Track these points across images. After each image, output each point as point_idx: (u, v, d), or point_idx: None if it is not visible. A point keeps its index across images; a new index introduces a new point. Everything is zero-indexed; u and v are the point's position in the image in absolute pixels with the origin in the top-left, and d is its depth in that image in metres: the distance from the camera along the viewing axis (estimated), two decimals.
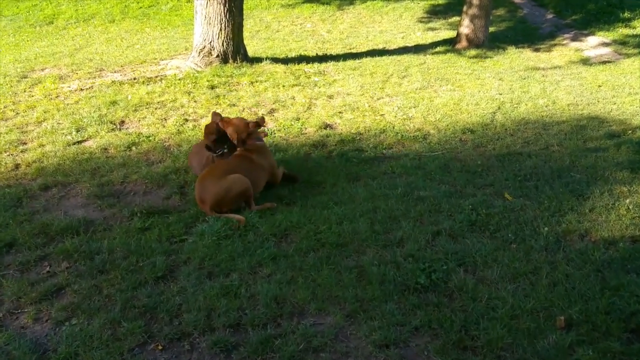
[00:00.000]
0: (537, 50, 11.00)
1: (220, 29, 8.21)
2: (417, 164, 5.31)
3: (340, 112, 6.77)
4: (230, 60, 8.43)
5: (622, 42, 11.25)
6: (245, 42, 9.03)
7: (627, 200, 4.32)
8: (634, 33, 11.81)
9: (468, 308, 3.07)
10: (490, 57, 10.15)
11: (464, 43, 10.77)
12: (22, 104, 6.82)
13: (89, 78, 8.00)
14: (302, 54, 10.01)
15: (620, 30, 12.03)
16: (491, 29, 11.55)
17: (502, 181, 4.87)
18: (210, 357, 2.74)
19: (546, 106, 7.25)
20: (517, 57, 10.26)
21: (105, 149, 5.48)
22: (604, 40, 11.56)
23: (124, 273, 3.39)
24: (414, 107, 7.04)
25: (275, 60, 9.04)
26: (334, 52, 10.39)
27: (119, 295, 3.17)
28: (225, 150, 4.53)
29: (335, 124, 6.43)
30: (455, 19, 12.92)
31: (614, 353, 2.73)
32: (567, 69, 9.55)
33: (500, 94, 7.77)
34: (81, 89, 7.38)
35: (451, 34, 11.74)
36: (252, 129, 4.45)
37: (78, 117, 6.26)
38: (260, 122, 4.54)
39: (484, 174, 5.08)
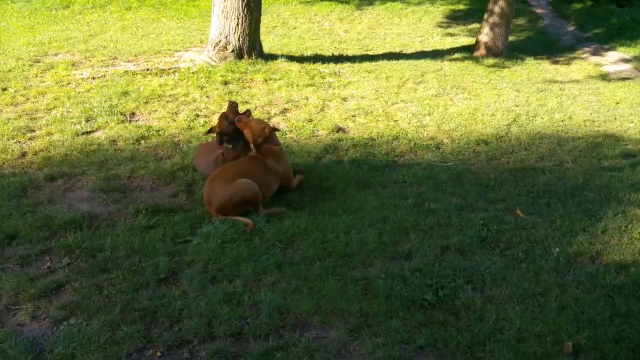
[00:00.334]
0: (556, 62, 10.87)
1: (237, 24, 8.14)
2: (429, 174, 5.23)
3: (353, 116, 6.69)
4: (245, 56, 8.36)
5: None
6: (261, 37, 8.97)
7: None
8: None
9: (475, 328, 2.99)
10: (508, 67, 10.03)
11: (482, 51, 10.65)
12: (33, 90, 6.79)
13: (102, 66, 7.96)
14: (318, 53, 9.93)
15: None
16: (511, 38, 11.42)
17: (514, 197, 4.79)
18: None
19: (562, 121, 7.15)
20: (536, 69, 10.14)
21: (114, 141, 5.43)
22: (624, 56, 11.40)
23: (126, 273, 3.32)
24: (429, 115, 6.95)
25: (291, 58, 8.96)
26: (350, 52, 10.31)
27: (120, 296, 3.11)
28: (230, 146, 4.51)
29: (348, 127, 6.35)
30: (475, 25, 12.80)
31: None
32: (585, 84, 9.42)
33: (517, 106, 7.67)
34: (93, 78, 7.34)
35: (470, 40, 11.63)
36: (269, 134, 4.38)
37: (88, 106, 6.22)
38: (276, 128, 4.52)
39: (496, 188, 4.99)
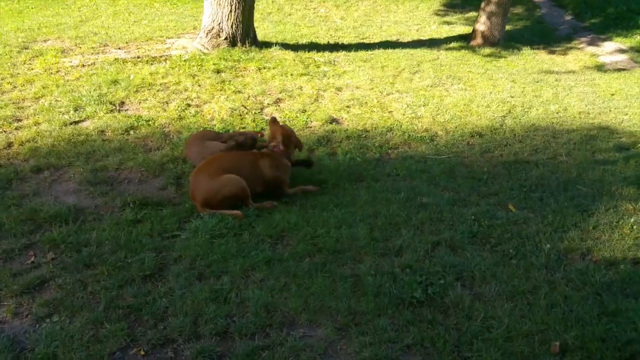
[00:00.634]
0: (552, 52, 10.80)
1: (231, 11, 8.01)
2: (423, 167, 5.19)
3: (347, 107, 6.62)
4: (239, 44, 8.23)
5: (639, 50, 11.02)
6: (256, 24, 8.84)
7: (632, 219, 4.20)
8: None
9: (462, 327, 2.97)
10: (505, 57, 9.95)
11: (479, 40, 10.56)
12: (21, 77, 6.67)
13: (92, 53, 7.83)
14: (313, 40, 9.82)
15: (638, 37, 11.77)
16: (507, 27, 11.32)
17: (507, 191, 4.75)
18: None
19: (557, 113, 7.11)
20: (532, 59, 10.06)
21: (103, 131, 5.34)
22: (620, 46, 11.33)
23: (111, 269, 3.27)
24: (424, 106, 6.89)
25: (285, 46, 8.85)
26: (345, 41, 10.20)
27: (104, 293, 3.06)
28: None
29: (342, 118, 6.29)
30: (472, 14, 12.69)
31: None
32: (581, 75, 9.37)
33: (512, 97, 7.61)
34: (83, 65, 7.21)
35: (467, 29, 11.53)
36: (295, 143, 4.43)
37: (77, 95, 6.11)
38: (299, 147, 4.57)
39: (489, 182, 4.96)
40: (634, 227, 4.09)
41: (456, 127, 6.32)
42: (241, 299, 3.09)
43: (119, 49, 8.16)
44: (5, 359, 2.59)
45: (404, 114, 6.60)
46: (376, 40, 10.46)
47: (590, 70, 9.76)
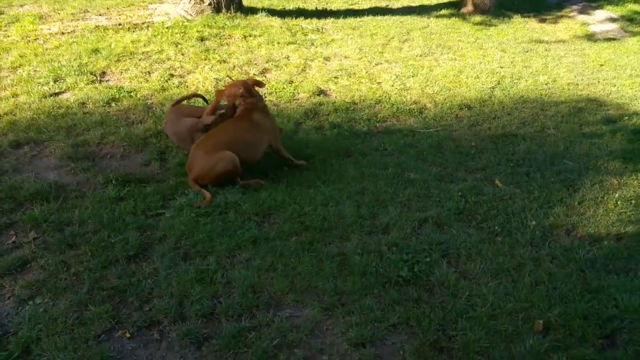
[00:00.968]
0: (543, 21, 10.69)
1: None
2: (410, 141, 5.15)
3: (335, 77, 6.52)
4: (224, 10, 8.01)
5: (630, 19, 10.95)
6: None
7: (617, 194, 4.23)
8: None
9: (448, 305, 2.98)
10: (495, 25, 9.84)
11: (469, 7, 10.41)
12: None
13: (72, 20, 7.56)
14: (301, 6, 9.60)
15: (629, 5, 11.69)
16: None
17: (494, 166, 4.75)
18: (179, 349, 2.62)
19: (546, 84, 7.07)
20: (522, 28, 9.96)
21: (84, 103, 5.20)
22: (611, 15, 11.23)
23: (94, 249, 3.21)
24: (413, 77, 6.80)
25: (272, 12, 8.63)
26: (334, 6, 9.99)
27: (88, 274, 3.01)
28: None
29: (330, 90, 6.19)
30: None
31: None
32: (571, 44, 9.30)
33: (502, 67, 7.56)
34: (62, 33, 6.96)
35: None
36: (244, 92, 4.19)
37: (57, 64, 5.92)
38: (257, 83, 4.36)
39: (476, 156, 4.94)
40: (619, 202, 4.12)
41: (445, 99, 6.26)
42: (227, 279, 3.07)
43: (100, 15, 7.89)
44: None
45: (392, 85, 6.52)
46: (365, 7, 10.27)
47: (580, 39, 9.70)
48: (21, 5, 8.20)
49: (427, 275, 3.22)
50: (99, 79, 5.79)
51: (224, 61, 6.52)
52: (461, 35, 8.98)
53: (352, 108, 5.79)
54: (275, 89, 6.00)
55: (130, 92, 5.50)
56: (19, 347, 2.55)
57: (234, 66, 6.43)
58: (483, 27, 9.70)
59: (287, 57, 6.93)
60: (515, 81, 7.07)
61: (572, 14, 11.33)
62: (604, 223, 3.85)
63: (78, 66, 5.91)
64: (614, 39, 9.80)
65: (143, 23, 7.47)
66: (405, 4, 10.91)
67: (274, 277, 3.10)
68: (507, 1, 11.72)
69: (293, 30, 7.95)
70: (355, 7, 10.23)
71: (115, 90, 5.46)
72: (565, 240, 3.65)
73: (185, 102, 4.96)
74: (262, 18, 8.24)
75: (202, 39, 7.06)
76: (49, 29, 7.08)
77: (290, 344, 2.69)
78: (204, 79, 5.96)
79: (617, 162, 4.83)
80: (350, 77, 6.61)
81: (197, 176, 3.90)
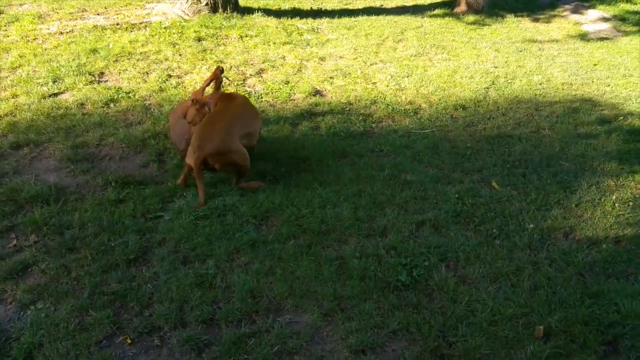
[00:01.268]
0: (536, 20, 10.72)
1: None
2: (406, 142, 5.17)
3: (331, 77, 6.53)
4: (220, 10, 8.00)
5: (622, 19, 11.01)
6: None
7: (614, 196, 4.26)
8: (635, 9, 11.56)
9: (448, 311, 2.99)
10: (489, 25, 9.86)
11: (463, 7, 10.43)
12: None
13: (70, 19, 7.52)
14: (296, 6, 9.59)
15: (622, 5, 11.75)
16: None
17: (490, 167, 4.77)
18: (180, 355, 2.63)
19: (540, 84, 7.11)
20: (516, 27, 9.99)
21: (82, 104, 5.19)
22: (604, 14, 11.29)
23: (95, 253, 3.22)
24: (407, 77, 6.82)
25: (268, 12, 8.63)
26: (329, 6, 9.99)
27: (88, 278, 3.02)
28: None
29: (325, 90, 6.20)
30: None
31: None
32: (564, 44, 9.34)
33: (496, 67, 7.58)
34: (61, 33, 6.93)
35: None
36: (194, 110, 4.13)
37: (56, 65, 5.90)
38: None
39: (472, 157, 4.96)
40: (616, 204, 4.15)
41: (440, 100, 6.28)
42: (227, 283, 3.07)
43: (98, 14, 7.85)
44: None
45: (387, 86, 6.53)
46: (360, 6, 10.27)
47: (573, 39, 9.73)
48: (21, 5, 8.16)
49: (426, 279, 3.23)
50: (97, 79, 5.78)
51: (221, 62, 6.52)
52: (455, 35, 9.00)
53: (347, 108, 5.81)
54: (271, 89, 6.00)
55: (129, 92, 5.49)
56: (21, 353, 2.56)
57: (231, 67, 6.42)
58: (477, 26, 9.73)
59: (283, 57, 6.93)
60: (509, 81, 7.10)
61: (564, 14, 11.38)
62: (601, 226, 3.87)
63: (77, 66, 5.89)
64: (607, 39, 9.85)
65: (141, 23, 7.44)
66: (399, 3, 10.92)
67: (273, 282, 3.11)
68: (500, 1, 11.74)
69: (289, 30, 7.95)
70: (350, 6, 10.23)
71: (114, 91, 5.45)
72: (564, 243, 3.67)
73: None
74: (258, 18, 8.24)
75: (199, 39, 7.06)
76: (48, 29, 7.05)
77: (290, 351, 2.70)
78: (201, 79, 5.95)
79: (613, 163, 4.87)
80: (345, 77, 6.62)
81: (209, 154, 3.72)
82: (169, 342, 2.71)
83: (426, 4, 10.92)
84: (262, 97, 5.79)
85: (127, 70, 6.02)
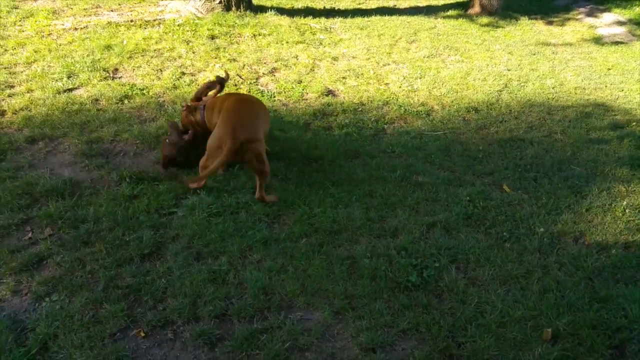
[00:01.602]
0: (550, 23, 10.68)
1: None
2: (418, 143, 5.18)
3: (344, 77, 6.55)
4: (233, 8, 8.05)
5: (638, 23, 10.94)
6: None
7: (624, 202, 4.26)
8: None
9: (457, 312, 3.02)
10: (502, 27, 9.84)
11: (477, 9, 10.41)
12: (12, 40, 6.48)
13: (85, 15, 7.61)
14: (309, 5, 9.62)
15: (637, 9, 11.67)
16: None
17: (501, 170, 4.78)
18: (193, 349, 2.67)
19: (553, 88, 7.09)
20: (529, 30, 9.95)
21: (97, 99, 5.24)
22: (619, 18, 11.22)
23: (109, 247, 3.26)
24: (420, 78, 6.83)
25: (281, 11, 8.66)
26: (342, 6, 10.01)
27: (103, 272, 3.06)
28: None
29: (338, 90, 6.22)
30: None
31: None
32: (578, 47, 9.30)
33: (509, 70, 7.57)
34: (75, 28, 7.01)
35: None
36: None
37: (70, 60, 5.96)
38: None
39: (484, 160, 4.97)
40: (626, 210, 4.15)
41: (452, 102, 6.28)
42: (239, 280, 3.11)
43: (112, 11, 7.93)
44: (7, 339, 2.60)
45: (400, 87, 6.54)
46: (373, 6, 10.28)
47: (587, 42, 9.69)
48: (35, 0, 8.23)
49: (436, 280, 3.26)
50: (111, 75, 5.83)
51: (234, 60, 6.56)
52: (468, 37, 8.99)
53: (360, 109, 5.82)
54: (284, 88, 6.03)
55: (143, 89, 5.54)
56: (37, 343, 2.60)
57: (244, 65, 6.46)
58: (490, 28, 9.71)
59: (296, 57, 6.96)
60: (522, 84, 7.09)
61: (579, 17, 11.32)
62: (611, 231, 3.87)
63: (91, 62, 5.95)
64: (621, 43, 9.79)
65: (154, 20, 7.50)
66: (413, 4, 10.91)
67: (284, 279, 3.15)
68: (514, 2, 11.72)
69: (302, 30, 7.97)
70: (363, 6, 10.24)
71: (128, 88, 5.50)
72: (573, 247, 3.68)
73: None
74: (271, 17, 8.27)
75: (212, 37, 7.10)
76: (62, 25, 7.12)
77: (301, 347, 2.73)
78: (215, 77, 5.97)
79: (624, 169, 4.86)
80: (358, 77, 6.64)
81: (246, 140, 3.59)
82: (182, 336, 2.74)
83: (439, 4, 10.92)
84: (274, 96, 5.82)
85: (141, 67, 6.07)
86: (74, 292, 2.94)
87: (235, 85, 5.93)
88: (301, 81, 6.26)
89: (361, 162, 4.70)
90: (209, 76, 6.02)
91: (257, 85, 6.05)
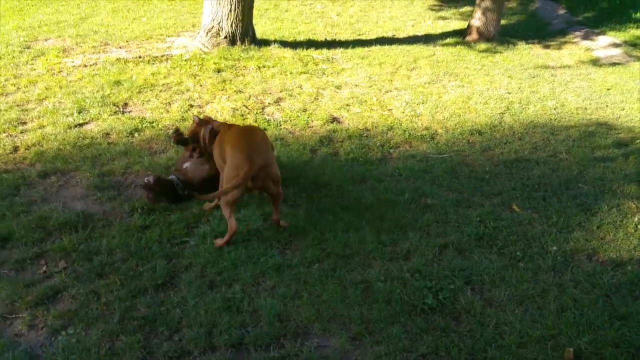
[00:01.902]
0: (547, 47, 10.81)
1: (230, 10, 7.97)
2: (424, 166, 5.20)
3: (347, 105, 6.62)
4: (238, 42, 8.21)
5: (633, 44, 11.06)
6: (254, 21, 8.79)
7: (636, 218, 4.26)
8: None
9: (476, 334, 3.00)
10: (500, 52, 9.96)
11: (474, 36, 10.55)
12: (24, 78, 6.61)
13: (94, 53, 7.77)
14: (311, 38, 9.78)
15: (632, 31, 11.82)
16: (502, 22, 11.32)
17: (509, 190, 4.78)
18: None
19: (555, 109, 7.14)
20: (527, 54, 10.08)
21: (107, 133, 5.31)
22: (614, 40, 11.36)
23: (124, 278, 3.27)
24: (422, 104, 6.90)
25: (284, 43, 8.83)
26: (343, 37, 10.17)
27: (118, 303, 3.06)
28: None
29: (342, 117, 6.29)
30: (467, 8, 12.69)
31: None
32: (577, 69, 9.40)
33: (509, 93, 7.64)
34: (85, 65, 7.15)
35: (462, 24, 11.52)
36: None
37: (80, 96, 6.07)
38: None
39: (491, 181, 4.98)
40: (638, 226, 4.15)
41: (456, 125, 6.33)
42: (254, 308, 3.10)
43: (120, 47, 8.09)
44: None
45: (403, 112, 6.60)
46: (372, 37, 10.44)
47: (585, 64, 9.79)
48: (46, 40, 8.43)
49: (452, 302, 3.24)
50: (121, 110, 5.92)
51: (240, 91, 6.65)
52: (467, 63, 9.10)
53: (365, 135, 5.87)
54: (290, 117, 6.10)
55: (152, 122, 5.61)
56: None
57: (250, 96, 6.55)
58: (488, 54, 9.83)
59: (300, 86, 7.06)
60: (524, 106, 7.14)
61: (575, 40, 11.47)
62: (625, 247, 3.86)
63: (101, 97, 6.05)
64: (618, 64, 9.88)
65: (162, 55, 7.65)
66: (411, 33, 11.08)
67: (299, 305, 3.13)
68: (511, 28, 11.89)
69: (304, 61, 8.10)
70: (363, 37, 10.40)
71: (138, 121, 5.58)
72: (588, 265, 3.66)
73: None
74: (274, 49, 8.42)
75: (218, 71, 7.23)
76: (72, 62, 7.27)
77: None
78: (222, 108, 6.08)
79: (632, 185, 4.87)
80: (361, 104, 6.71)
81: (262, 166, 3.55)
82: None
83: (437, 33, 11.08)
84: (280, 125, 5.88)
85: (150, 100, 6.16)
86: (90, 324, 2.93)
87: (242, 115, 6.00)
88: (306, 109, 6.34)
89: (369, 186, 4.72)
90: (216, 108, 6.11)
91: (263, 114, 6.12)
